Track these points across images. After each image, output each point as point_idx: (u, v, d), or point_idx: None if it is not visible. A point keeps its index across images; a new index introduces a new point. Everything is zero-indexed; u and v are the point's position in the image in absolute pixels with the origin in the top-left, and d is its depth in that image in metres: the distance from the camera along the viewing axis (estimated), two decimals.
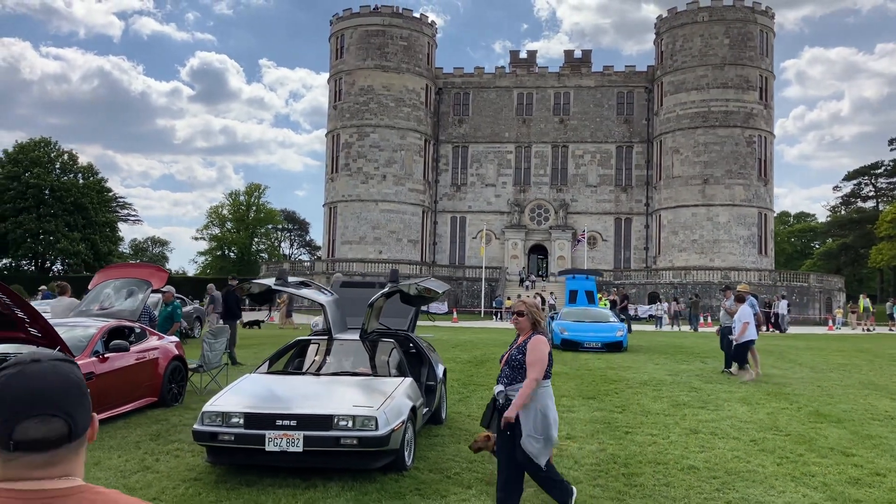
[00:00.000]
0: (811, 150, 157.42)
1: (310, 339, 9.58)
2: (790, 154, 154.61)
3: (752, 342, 15.15)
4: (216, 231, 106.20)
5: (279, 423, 6.91)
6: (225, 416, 7.02)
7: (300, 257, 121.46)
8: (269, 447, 6.83)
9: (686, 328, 39.05)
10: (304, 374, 8.52)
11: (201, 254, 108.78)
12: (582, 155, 61.16)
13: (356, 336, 9.10)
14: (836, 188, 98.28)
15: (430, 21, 61.71)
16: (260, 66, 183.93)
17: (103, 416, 9.44)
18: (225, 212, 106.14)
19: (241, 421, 6.98)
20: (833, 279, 57.37)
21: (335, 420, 6.92)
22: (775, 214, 63.19)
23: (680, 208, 56.51)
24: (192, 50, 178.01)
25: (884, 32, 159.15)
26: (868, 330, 38.90)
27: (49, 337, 8.96)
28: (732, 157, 55.36)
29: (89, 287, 11.69)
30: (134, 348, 10.28)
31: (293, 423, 6.90)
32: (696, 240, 55.70)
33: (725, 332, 15.96)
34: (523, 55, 67.15)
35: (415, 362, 9.38)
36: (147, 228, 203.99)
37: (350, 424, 6.91)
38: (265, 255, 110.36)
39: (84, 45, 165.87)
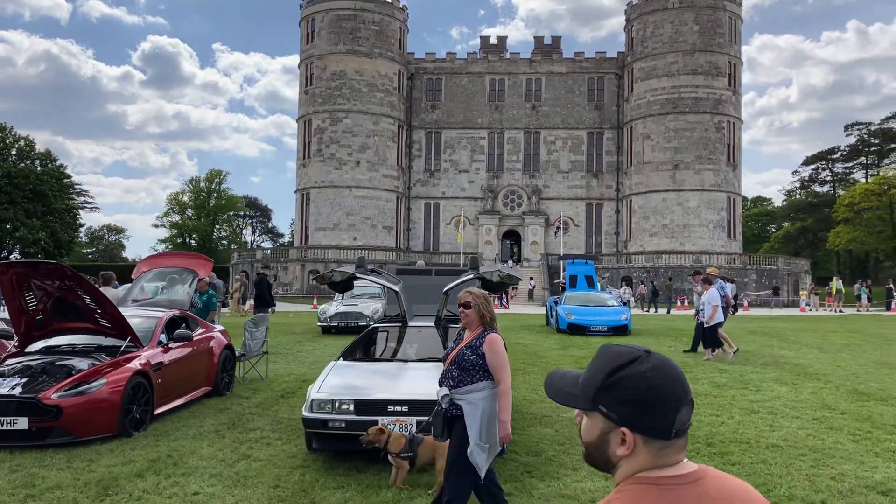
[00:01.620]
0: (761, 135, 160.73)
1: (378, 327, 9.56)
2: (742, 139, 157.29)
3: (720, 324, 15.45)
4: (176, 218, 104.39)
5: (391, 408, 6.95)
6: (334, 404, 7.03)
7: (262, 244, 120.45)
8: None
9: (662, 311, 39.71)
10: (390, 360, 8.52)
11: (161, 241, 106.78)
12: (554, 141, 61.58)
13: (427, 323, 9.15)
14: (794, 172, 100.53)
15: (401, 5, 61.33)
16: (213, 51, 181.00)
17: (170, 405, 9.35)
18: (185, 198, 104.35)
19: (352, 407, 7.00)
20: (800, 262, 58.89)
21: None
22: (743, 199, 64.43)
23: (651, 193, 57.29)
24: (144, 34, 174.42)
25: (829, 20, 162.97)
26: (839, 311, 40.05)
27: (119, 327, 8.85)
28: (702, 143, 56.27)
29: (133, 276, 11.50)
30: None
31: (405, 408, 6.95)
32: (667, 224, 56.58)
33: None
34: (493, 41, 67.09)
35: None
36: (100, 216, 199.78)
37: None
38: (226, 243, 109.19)
39: (30, 28, 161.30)
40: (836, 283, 42.85)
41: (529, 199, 61.00)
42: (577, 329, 20.71)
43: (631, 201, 58.81)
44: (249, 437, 8.30)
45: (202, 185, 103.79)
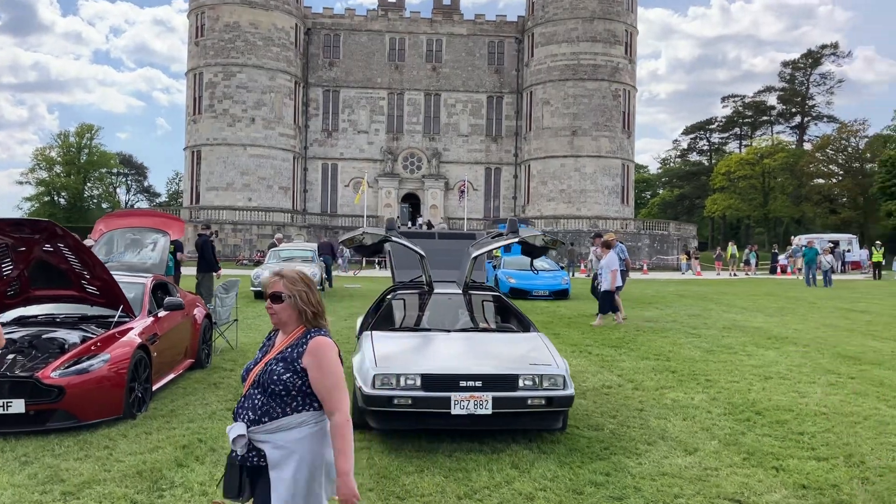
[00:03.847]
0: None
1: (395, 294, 8.84)
2: (636, 107, 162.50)
3: (619, 289, 15.61)
4: (44, 175, 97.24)
5: (463, 384, 6.34)
6: (399, 379, 6.35)
7: (138, 204, 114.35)
8: (456, 410, 6.27)
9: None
10: (431, 330, 7.84)
11: (27, 199, 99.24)
12: (454, 104, 61.12)
13: (455, 290, 8.54)
14: (675, 142, 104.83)
15: None
16: None
17: (163, 382, 8.35)
18: (53, 154, 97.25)
19: (418, 382, 6.34)
20: (689, 227, 61.50)
21: (520, 379, 6.46)
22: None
23: (549, 159, 57.99)
24: None
25: None
26: (734, 275, 42.06)
27: (109, 295, 7.75)
28: (599, 110, 57.32)
29: (93, 237, 10.20)
30: None
31: (478, 383, 6.36)
32: (565, 189, 57.54)
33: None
34: None
35: (507, 316, 8.94)
36: None
37: (535, 384, 6.48)
38: (98, 202, 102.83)
39: None
40: (732, 249, 44.95)
41: (429, 162, 60.46)
42: (519, 293, 20.53)
43: (529, 166, 59.36)
44: None
45: (72, 139, 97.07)
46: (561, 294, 20.84)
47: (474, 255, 8.27)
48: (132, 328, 7.76)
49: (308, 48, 59.85)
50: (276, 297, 3.32)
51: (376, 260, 47.58)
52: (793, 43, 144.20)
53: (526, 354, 6.95)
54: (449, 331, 7.77)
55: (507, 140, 61.61)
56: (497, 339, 7.57)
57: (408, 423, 6.46)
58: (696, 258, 50.03)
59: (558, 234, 52.88)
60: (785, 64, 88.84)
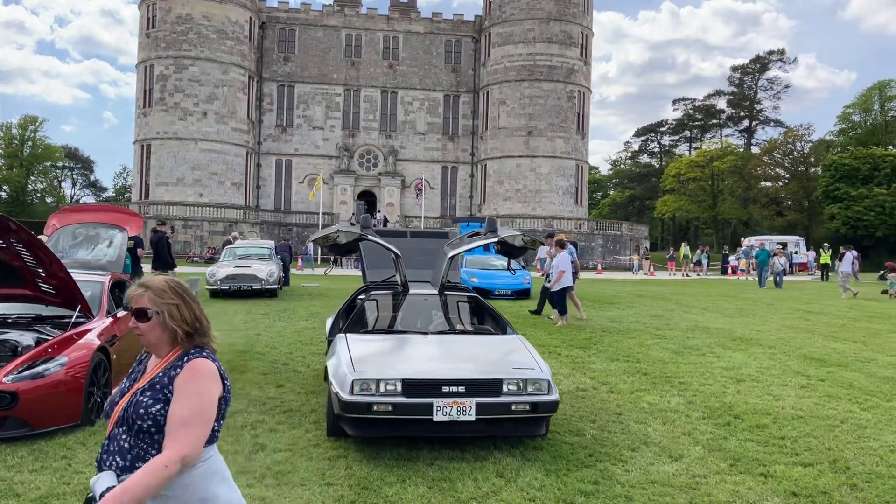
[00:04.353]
0: None
1: (367, 295, 8.54)
2: (590, 109, 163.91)
3: (569, 289, 15.68)
4: None
5: (445, 389, 6.10)
6: (378, 384, 6.08)
7: (84, 199, 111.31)
8: (438, 417, 6.02)
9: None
10: (408, 333, 7.56)
11: None
12: (411, 102, 60.78)
13: (430, 290, 8.29)
14: (627, 143, 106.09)
15: None
16: None
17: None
18: None
19: (398, 388, 6.08)
20: (641, 228, 62.22)
21: (504, 384, 6.24)
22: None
23: (505, 158, 58.08)
24: None
25: (647, 0, 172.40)
26: (686, 275, 42.60)
27: (65, 294, 7.32)
28: (555, 111, 57.59)
29: (46, 233, 9.68)
30: None
31: (461, 388, 6.12)
32: (520, 189, 57.68)
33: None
34: None
35: (483, 318, 8.72)
36: None
37: (519, 389, 6.27)
38: (42, 196, 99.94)
39: None
40: (685, 249, 45.51)
41: (386, 159, 60.03)
42: (480, 293, 20.27)
43: (486, 166, 59.37)
44: (240, 423, 7.14)
45: (14, 132, 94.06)
46: (523, 293, 20.76)
47: (451, 254, 8.04)
48: (91, 329, 7.34)
49: (262, 42, 58.89)
50: (141, 314, 2.65)
51: (332, 258, 46.99)
52: (739, 48, 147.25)
53: (508, 358, 6.75)
54: (426, 333, 7.52)
55: (464, 139, 61.52)
56: (476, 341, 7.34)
57: (387, 431, 6.19)
58: (648, 258, 50.66)
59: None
60: (734, 69, 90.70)
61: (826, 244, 39.62)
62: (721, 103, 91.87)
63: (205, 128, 54.14)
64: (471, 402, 6.09)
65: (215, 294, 19.56)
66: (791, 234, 61.24)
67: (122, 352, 7.85)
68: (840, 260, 27.16)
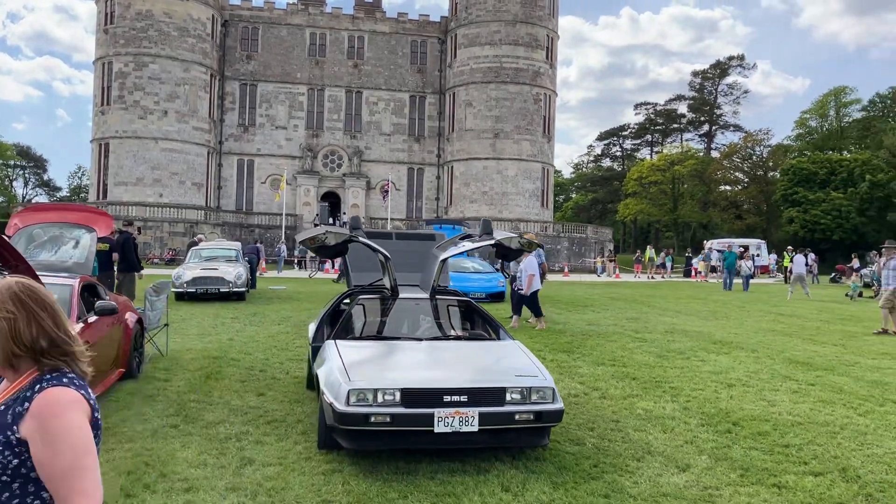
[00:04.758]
0: None
1: (353, 299, 8.19)
2: (555, 112, 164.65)
3: (537, 291, 15.56)
4: None
5: (447, 398, 5.79)
6: (376, 394, 5.75)
7: (37, 198, 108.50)
8: (440, 428, 5.72)
9: None
10: (401, 339, 7.23)
11: None
12: (376, 102, 60.29)
13: (421, 294, 7.98)
14: (589, 147, 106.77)
15: None
16: None
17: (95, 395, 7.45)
18: None
19: (397, 398, 5.76)
20: (606, 231, 62.53)
21: (507, 393, 5.96)
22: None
23: (472, 161, 57.92)
24: None
25: (606, 6, 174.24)
26: (651, 278, 42.85)
27: None
28: (521, 114, 57.60)
29: (8, 233, 9.14)
30: None
31: (464, 398, 5.82)
32: (487, 192, 57.56)
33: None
34: None
35: (475, 323, 8.42)
36: None
37: (523, 397, 6.00)
38: None
39: None
40: (650, 252, 45.78)
41: (350, 160, 59.44)
42: None
43: (452, 168, 59.14)
44: (223, 434, 6.75)
45: None
46: (497, 296, 20.54)
47: (443, 257, 7.74)
48: None
49: (225, 40, 57.91)
50: None
51: (295, 259, 46.28)
52: (697, 54, 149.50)
53: (509, 364, 6.47)
54: (419, 339, 7.21)
55: (430, 140, 61.22)
56: (473, 347, 7.06)
57: (385, 443, 5.86)
58: (613, 261, 50.87)
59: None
60: (695, 73, 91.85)
61: (790, 247, 40.14)
62: (682, 108, 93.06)
63: (165, 127, 53.02)
64: (473, 411, 5.80)
65: (181, 297, 18.97)
66: (750, 238, 62.05)
67: (94, 359, 7.39)
68: (792, 262, 27.58)
